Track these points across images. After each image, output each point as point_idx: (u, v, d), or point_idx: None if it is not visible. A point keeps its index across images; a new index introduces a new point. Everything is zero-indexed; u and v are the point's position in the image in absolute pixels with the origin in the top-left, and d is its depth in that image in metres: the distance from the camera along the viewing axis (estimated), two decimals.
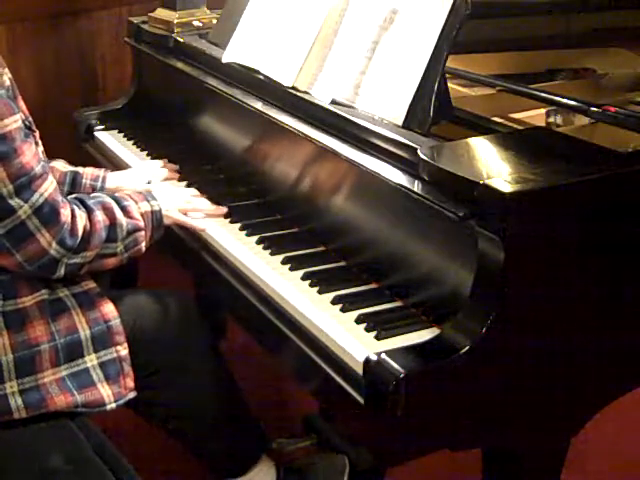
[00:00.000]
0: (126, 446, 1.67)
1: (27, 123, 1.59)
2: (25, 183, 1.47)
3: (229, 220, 1.80)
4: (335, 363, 1.37)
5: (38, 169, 1.50)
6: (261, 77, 1.88)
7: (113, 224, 1.62)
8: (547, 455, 1.50)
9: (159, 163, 2.08)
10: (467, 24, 1.54)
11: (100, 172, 1.94)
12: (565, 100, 1.71)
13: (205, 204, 1.83)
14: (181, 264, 2.00)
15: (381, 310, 1.46)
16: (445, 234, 1.40)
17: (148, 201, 1.71)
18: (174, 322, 1.78)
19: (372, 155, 1.55)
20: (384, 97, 1.61)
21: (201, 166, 2.12)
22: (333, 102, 1.69)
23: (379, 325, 1.39)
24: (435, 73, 1.54)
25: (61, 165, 1.92)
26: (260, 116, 1.84)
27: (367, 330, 1.40)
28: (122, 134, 2.36)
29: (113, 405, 1.61)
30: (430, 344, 1.30)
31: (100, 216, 1.61)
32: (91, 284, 1.66)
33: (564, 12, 2.22)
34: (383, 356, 1.25)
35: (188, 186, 1.99)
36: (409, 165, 1.46)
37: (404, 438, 1.30)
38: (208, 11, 2.38)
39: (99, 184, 1.91)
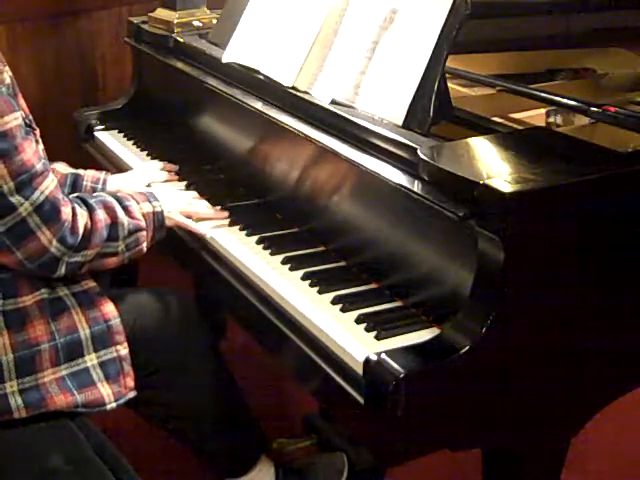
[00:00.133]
0: (126, 446, 1.67)
1: (27, 121, 1.59)
2: (26, 180, 1.47)
3: (229, 220, 1.80)
4: (335, 363, 1.37)
5: (39, 167, 1.50)
6: (261, 77, 1.88)
7: (114, 223, 1.62)
8: (547, 455, 1.50)
9: (158, 165, 2.07)
10: (467, 24, 1.54)
11: (101, 175, 1.94)
12: (565, 100, 1.71)
13: (207, 207, 1.83)
14: (181, 264, 2.00)
15: (381, 310, 1.46)
16: (445, 234, 1.40)
17: (150, 202, 1.71)
18: (174, 322, 1.78)
19: (372, 155, 1.55)
20: (384, 97, 1.61)
21: (201, 166, 2.12)
22: (333, 102, 1.69)
23: (379, 325, 1.39)
24: (435, 73, 1.54)
25: (62, 167, 1.92)
26: (260, 116, 1.84)
27: (367, 330, 1.40)
28: (122, 134, 2.36)
29: (113, 405, 1.61)
30: (430, 344, 1.30)
31: (101, 215, 1.61)
32: (91, 283, 1.66)
33: (564, 12, 2.22)
34: (383, 356, 1.25)
35: (188, 186, 1.99)
36: (409, 165, 1.46)
37: (404, 438, 1.30)
38: (208, 11, 2.38)
39: (100, 187, 1.91)
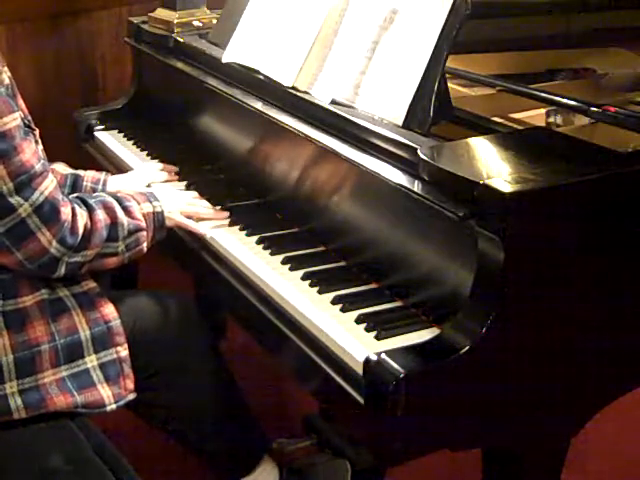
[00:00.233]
0: (126, 446, 1.67)
1: (26, 122, 1.59)
2: (25, 181, 1.47)
3: (229, 220, 1.80)
4: (335, 363, 1.37)
5: (38, 167, 1.50)
6: (261, 77, 1.88)
7: (114, 223, 1.62)
8: (547, 455, 1.50)
9: (158, 165, 2.07)
10: (467, 24, 1.54)
11: (101, 175, 1.94)
12: (565, 100, 1.71)
13: (207, 207, 1.83)
14: (181, 264, 2.00)
15: (381, 310, 1.46)
16: (445, 234, 1.40)
17: (150, 202, 1.71)
18: (174, 324, 1.78)
19: (372, 155, 1.55)
20: (384, 97, 1.61)
21: (201, 166, 2.12)
22: (333, 102, 1.69)
23: (379, 325, 1.39)
24: (435, 73, 1.54)
25: (62, 168, 1.92)
26: (260, 116, 1.84)
27: (367, 330, 1.40)
28: (122, 134, 2.36)
29: (113, 406, 1.61)
30: (430, 344, 1.30)
31: (101, 215, 1.61)
32: (91, 284, 1.66)
33: (564, 12, 2.22)
34: (383, 356, 1.25)
35: (188, 186, 2.00)
36: (409, 165, 1.46)
37: (404, 438, 1.30)
38: (208, 11, 2.38)
39: (100, 187, 1.91)
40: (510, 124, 1.74)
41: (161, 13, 2.36)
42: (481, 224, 1.29)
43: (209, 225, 1.78)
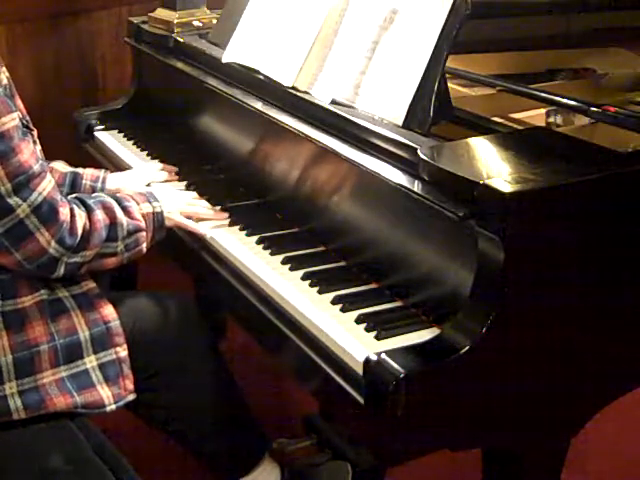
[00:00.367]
0: (126, 446, 1.67)
1: (24, 122, 1.59)
2: (23, 182, 1.47)
3: (229, 220, 1.80)
4: (335, 363, 1.37)
5: (36, 168, 1.50)
6: (261, 77, 1.88)
7: (113, 223, 1.62)
8: (547, 455, 1.50)
9: (158, 165, 2.07)
10: (467, 24, 1.54)
11: (100, 173, 1.94)
12: (565, 100, 1.71)
13: (207, 207, 1.83)
14: (181, 265, 2.00)
15: (381, 310, 1.46)
16: (445, 234, 1.40)
17: (150, 202, 1.71)
18: (174, 324, 1.78)
19: (372, 155, 1.55)
20: (384, 97, 1.61)
21: (201, 166, 2.12)
22: (333, 102, 1.69)
23: (379, 325, 1.39)
24: (435, 73, 1.54)
25: (61, 166, 1.92)
26: (260, 116, 1.84)
27: (367, 330, 1.39)
28: (122, 134, 2.36)
29: (113, 407, 1.61)
30: (430, 344, 1.30)
31: (100, 215, 1.61)
32: (91, 285, 1.66)
33: (564, 12, 2.22)
34: (383, 356, 1.25)
35: (188, 186, 1.99)
36: (409, 165, 1.46)
37: (404, 438, 1.30)
38: (208, 11, 2.38)
39: (99, 185, 1.91)
40: (510, 124, 1.74)
41: (161, 13, 2.36)
42: (481, 224, 1.29)
43: (209, 225, 1.78)
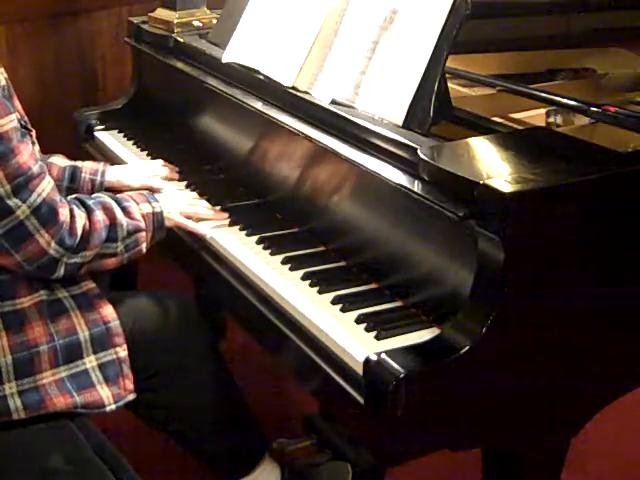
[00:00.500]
0: (126, 446, 1.67)
1: (23, 122, 1.59)
2: (22, 183, 1.47)
3: (229, 220, 1.80)
4: (335, 363, 1.37)
5: (35, 169, 1.50)
6: (261, 77, 1.88)
7: (113, 224, 1.62)
8: (547, 455, 1.50)
9: (159, 162, 2.07)
10: (467, 24, 1.54)
11: (99, 166, 1.94)
12: (565, 100, 1.71)
13: (207, 208, 1.83)
14: (181, 265, 2.00)
15: (381, 310, 1.46)
16: (445, 234, 1.40)
17: (149, 202, 1.71)
18: (174, 324, 1.78)
19: (372, 155, 1.55)
20: (384, 97, 1.61)
21: (201, 166, 2.12)
22: (333, 102, 1.69)
23: (379, 325, 1.39)
24: (435, 73, 1.54)
25: (60, 160, 1.92)
26: (260, 116, 1.84)
27: (367, 330, 1.39)
28: (122, 134, 2.36)
29: (113, 406, 1.61)
30: (430, 344, 1.30)
31: (100, 216, 1.61)
32: (90, 285, 1.66)
33: (564, 12, 2.22)
34: (383, 356, 1.25)
35: (188, 186, 1.99)
36: (409, 165, 1.46)
37: (404, 438, 1.30)
38: (208, 11, 2.37)
39: (98, 178, 1.90)
40: (510, 124, 1.74)
41: (161, 13, 2.36)
42: (481, 224, 1.29)
43: (209, 225, 1.78)
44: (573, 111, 1.77)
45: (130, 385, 1.64)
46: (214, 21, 2.29)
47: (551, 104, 1.77)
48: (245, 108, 1.89)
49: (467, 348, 1.25)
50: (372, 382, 1.26)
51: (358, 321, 1.42)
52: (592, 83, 2.05)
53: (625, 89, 2.02)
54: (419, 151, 1.42)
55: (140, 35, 2.42)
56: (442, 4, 1.55)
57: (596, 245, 1.36)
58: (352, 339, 1.37)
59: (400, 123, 1.57)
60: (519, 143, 1.48)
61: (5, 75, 1.55)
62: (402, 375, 1.21)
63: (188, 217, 1.78)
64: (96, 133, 2.38)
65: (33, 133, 1.64)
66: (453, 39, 1.54)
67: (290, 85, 1.79)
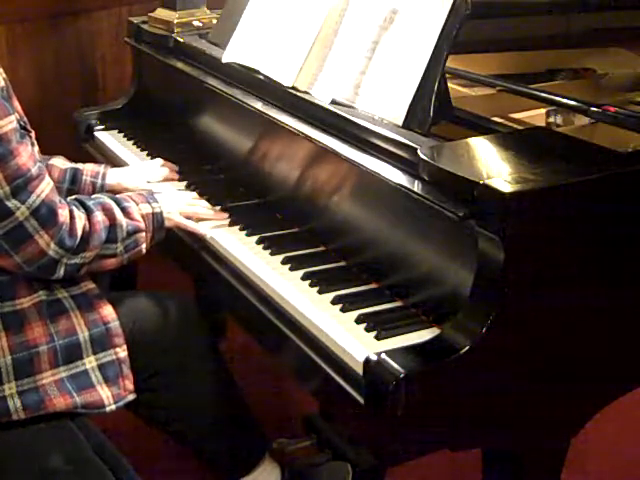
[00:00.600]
0: (126, 446, 1.67)
1: (22, 123, 1.59)
2: (21, 185, 1.47)
3: (229, 220, 1.80)
4: (335, 363, 1.37)
5: (34, 170, 1.50)
6: (261, 77, 1.88)
7: (113, 225, 1.62)
8: (547, 455, 1.50)
9: (159, 162, 2.07)
10: (467, 24, 1.54)
11: (100, 168, 1.94)
12: (565, 100, 1.71)
13: (206, 208, 1.83)
14: (181, 265, 2.00)
15: (381, 310, 1.46)
16: (445, 234, 1.40)
17: (149, 203, 1.71)
18: (173, 324, 1.78)
19: (372, 155, 1.55)
20: (384, 97, 1.61)
21: (201, 166, 2.12)
22: (333, 102, 1.69)
23: (379, 325, 1.39)
24: (435, 73, 1.54)
25: (60, 162, 1.92)
26: (260, 116, 1.84)
27: (367, 330, 1.39)
28: (122, 134, 2.36)
29: (112, 407, 1.61)
30: (430, 344, 1.30)
31: (100, 217, 1.61)
32: (90, 285, 1.66)
33: (564, 12, 2.22)
34: (383, 356, 1.25)
35: (188, 186, 2.00)
36: (409, 165, 1.46)
37: (404, 438, 1.30)
38: (208, 11, 2.38)
39: (99, 181, 1.90)
40: (510, 124, 1.74)
41: (161, 13, 2.36)
42: (481, 224, 1.29)
43: (209, 225, 1.78)
44: (573, 111, 1.77)
45: (130, 385, 1.64)
46: (214, 21, 2.29)
47: (551, 104, 1.77)
48: (245, 108, 1.89)
49: (467, 348, 1.25)
50: (372, 382, 1.26)
51: (358, 321, 1.42)
52: (592, 83, 2.05)
53: (625, 89, 2.02)
54: (419, 151, 1.42)
55: (140, 35, 2.42)
56: (442, 4, 1.55)
57: (596, 245, 1.36)
58: (352, 339, 1.37)
59: (400, 123, 1.57)
60: (519, 143, 1.48)
61: (4, 76, 1.55)
62: (402, 375, 1.21)
63: (188, 217, 1.78)
64: (96, 133, 2.38)
65: (32, 134, 1.64)
66: (453, 39, 1.54)
67: (290, 85, 1.79)
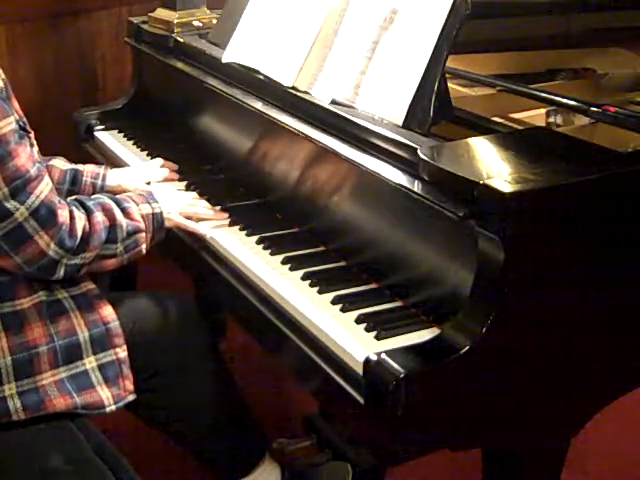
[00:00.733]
0: (126, 446, 1.67)
1: (21, 124, 1.59)
2: (20, 186, 1.47)
3: (229, 220, 1.80)
4: (335, 363, 1.37)
5: (33, 171, 1.49)
6: (261, 77, 1.88)
7: (113, 225, 1.62)
8: (547, 455, 1.50)
9: (159, 162, 2.07)
10: (467, 24, 1.54)
11: (100, 169, 1.94)
12: (565, 100, 1.71)
13: (206, 208, 1.83)
14: (181, 265, 2.00)
15: (381, 310, 1.46)
16: (445, 234, 1.40)
17: (149, 203, 1.71)
18: (173, 325, 1.78)
19: (372, 155, 1.55)
20: (384, 97, 1.61)
21: (201, 166, 2.12)
22: (333, 102, 1.69)
23: (379, 325, 1.39)
24: (435, 73, 1.54)
25: (61, 163, 1.91)
26: (260, 116, 1.84)
27: (367, 330, 1.39)
28: (122, 134, 2.36)
29: (112, 407, 1.61)
30: (430, 344, 1.30)
31: (100, 217, 1.61)
32: (90, 286, 1.65)
33: (564, 12, 2.22)
34: (383, 356, 1.25)
35: (188, 186, 1.99)
36: (409, 165, 1.46)
37: (404, 438, 1.30)
38: (208, 11, 2.38)
39: (99, 182, 1.90)
40: (510, 124, 1.74)
41: (161, 13, 2.36)
42: (481, 224, 1.29)
43: (209, 225, 1.78)
44: (573, 111, 1.77)
45: (130, 386, 1.64)
46: (214, 21, 2.29)
47: (551, 104, 1.77)
48: (245, 108, 1.89)
49: (467, 348, 1.25)
50: (372, 382, 1.26)
51: (358, 321, 1.42)
52: (592, 83, 2.05)
53: (625, 89, 2.02)
54: (419, 151, 1.42)
55: (140, 35, 2.42)
56: (442, 4, 1.55)
57: (596, 245, 1.36)
58: (352, 339, 1.37)
59: (400, 123, 1.57)
60: (519, 143, 1.48)
61: (3, 76, 1.55)
62: (402, 375, 1.21)
63: (188, 217, 1.78)
64: (96, 133, 2.38)
65: (32, 134, 1.64)
66: (453, 39, 1.54)
67: (290, 85, 1.79)
